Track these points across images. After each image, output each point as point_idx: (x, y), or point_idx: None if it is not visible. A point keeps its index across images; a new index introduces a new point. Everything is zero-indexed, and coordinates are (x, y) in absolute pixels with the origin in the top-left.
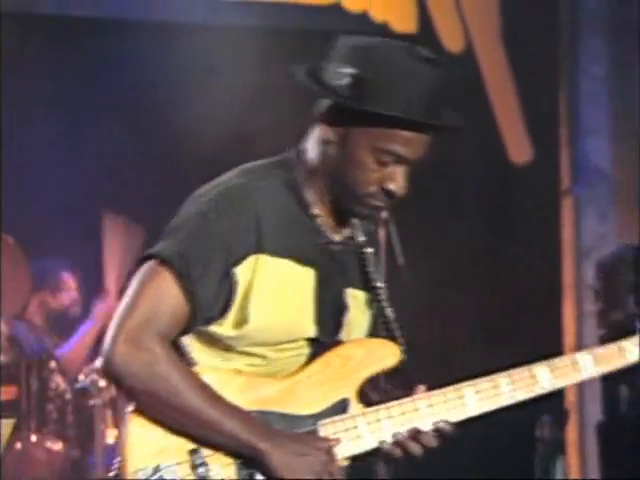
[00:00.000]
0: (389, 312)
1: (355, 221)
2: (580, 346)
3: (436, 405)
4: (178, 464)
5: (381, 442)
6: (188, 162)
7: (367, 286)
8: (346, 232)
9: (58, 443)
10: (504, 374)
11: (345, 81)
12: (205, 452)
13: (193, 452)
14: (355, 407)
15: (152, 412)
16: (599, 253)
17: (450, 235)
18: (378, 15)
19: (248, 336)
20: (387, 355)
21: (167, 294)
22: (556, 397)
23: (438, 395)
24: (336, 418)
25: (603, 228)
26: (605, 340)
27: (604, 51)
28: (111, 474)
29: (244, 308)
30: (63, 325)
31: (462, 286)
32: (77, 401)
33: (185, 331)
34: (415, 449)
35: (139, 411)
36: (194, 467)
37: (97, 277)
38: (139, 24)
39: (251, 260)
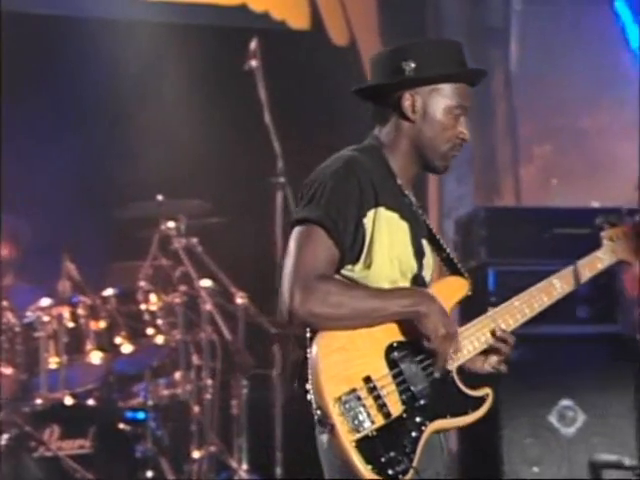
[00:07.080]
0: (453, 256)
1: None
2: None
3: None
4: (357, 391)
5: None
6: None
7: (430, 236)
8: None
9: (9, 368)
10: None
11: (410, 72)
12: (375, 376)
13: (366, 380)
14: None
15: (343, 328)
16: (458, 212)
17: None
18: (277, 14)
19: (374, 274)
20: (462, 287)
21: (323, 247)
22: None
23: (501, 309)
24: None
25: (461, 191)
26: None
27: None
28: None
29: (370, 252)
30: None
31: None
32: (25, 333)
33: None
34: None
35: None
36: (369, 391)
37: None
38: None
39: (372, 212)
